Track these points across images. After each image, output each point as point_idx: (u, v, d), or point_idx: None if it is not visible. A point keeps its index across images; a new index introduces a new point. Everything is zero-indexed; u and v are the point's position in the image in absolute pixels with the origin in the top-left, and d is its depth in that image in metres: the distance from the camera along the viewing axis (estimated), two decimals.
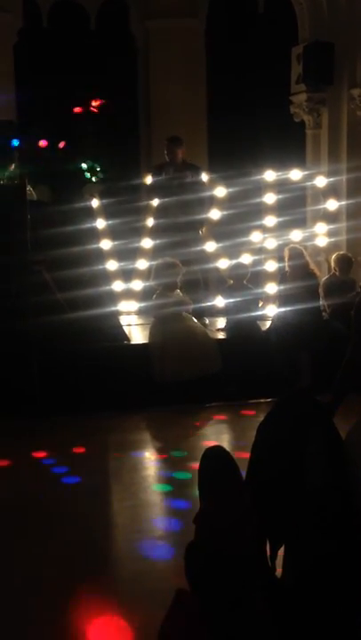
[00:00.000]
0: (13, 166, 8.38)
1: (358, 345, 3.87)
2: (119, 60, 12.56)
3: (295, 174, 10.08)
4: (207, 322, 9.29)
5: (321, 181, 10.26)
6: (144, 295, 9.66)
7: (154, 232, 9.70)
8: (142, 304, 9.72)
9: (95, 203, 9.63)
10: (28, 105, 10.68)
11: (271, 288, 9.58)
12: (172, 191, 9.30)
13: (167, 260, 8.83)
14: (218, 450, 3.59)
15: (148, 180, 9.78)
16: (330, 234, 10.22)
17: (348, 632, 3.10)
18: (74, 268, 8.29)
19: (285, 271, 9.07)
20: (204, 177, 9.80)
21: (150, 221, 9.91)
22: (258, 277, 9.65)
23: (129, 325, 9.41)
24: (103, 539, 5.25)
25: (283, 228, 9.96)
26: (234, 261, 9.39)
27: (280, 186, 10.00)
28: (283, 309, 8.79)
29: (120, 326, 8.84)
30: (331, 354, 8.60)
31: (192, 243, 9.43)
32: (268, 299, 9.58)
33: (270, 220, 9.96)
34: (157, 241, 9.57)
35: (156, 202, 9.74)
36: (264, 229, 9.94)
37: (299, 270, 8.81)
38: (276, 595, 3.18)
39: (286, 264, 9.01)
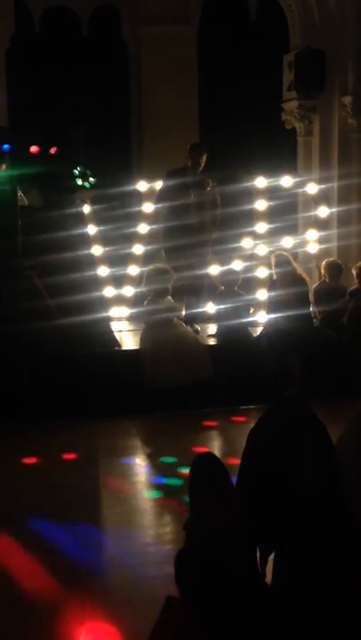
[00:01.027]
0: (4, 167, 8.36)
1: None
2: (111, 66, 12.57)
3: (286, 181, 10.10)
4: (198, 328, 9.28)
5: (312, 188, 10.30)
6: (135, 301, 9.65)
7: (165, 234, 9.59)
8: (133, 310, 9.71)
9: (86, 208, 9.62)
10: (20, 110, 10.69)
11: (262, 294, 9.59)
12: (187, 193, 9.25)
13: (158, 266, 8.83)
14: (208, 456, 3.58)
15: (162, 183, 9.66)
16: (321, 241, 10.25)
17: (339, 638, 3.09)
18: (65, 273, 8.27)
19: (274, 278, 9.09)
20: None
21: (143, 227, 9.89)
22: (249, 284, 9.66)
23: (120, 331, 9.40)
24: (93, 545, 5.24)
25: (274, 234, 9.98)
26: (225, 268, 9.39)
27: (271, 192, 10.02)
28: (274, 315, 8.81)
29: (111, 332, 8.83)
30: (322, 360, 8.69)
31: (204, 246, 9.37)
32: (258, 305, 9.58)
33: (261, 227, 9.98)
34: (171, 244, 9.43)
35: (155, 207, 9.70)
36: (255, 236, 9.96)
37: (288, 277, 8.83)
38: (267, 601, 3.18)
39: (273, 271, 9.04)
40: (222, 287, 9.14)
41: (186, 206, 9.15)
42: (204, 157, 9.31)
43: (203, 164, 9.30)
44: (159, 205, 9.59)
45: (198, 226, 9.18)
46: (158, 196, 9.62)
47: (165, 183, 9.45)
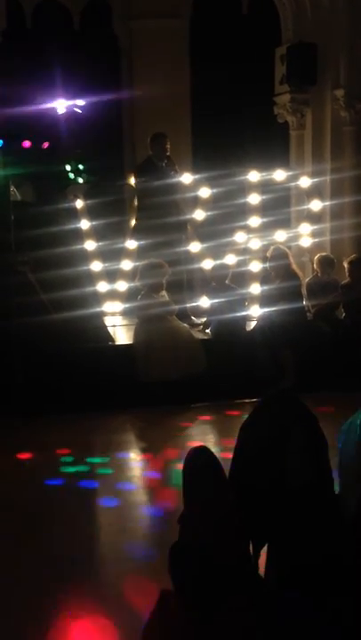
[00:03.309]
0: None
1: None
2: (103, 60, 12.53)
3: (279, 175, 10.10)
4: (196, 321, 9.27)
5: (305, 182, 10.29)
6: (129, 296, 9.65)
7: (138, 232, 9.66)
8: (127, 305, 9.70)
9: (79, 203, 9.61)
10: (12, 105, 10.63)
11: (255, 288, 9.60)
12: (162, 190, 9.32)
13: (153, 261, 8.82)
14: (202, 450, 3.59)
15: (138, 177, 9.72)
16: (314, 234, 10.25)
17: (332, 632, 3.10)
18: (58, 268, 8.27)
19: (268, 272, 9.10)
20: (187, 178, 9.81)
21: (133, 222, 9.89)
22: (242, 278, 9.67)
23: (113, 326, 9.40)
24: (88, 539, 5.25)
25: (267, 228, 9.98)
26: (215, 262, 9.41)
27: (264, 186, 10.02)
28: (268, 309, 8.82)
29: (104, 327, 8.83)
30: (315, 353, 8.70)
31: (178, 243, 9.44)
32: (252, 299, 9.59)
33: (254, 221, 9.98)
34: (142, 242, 9.54)
35: (138, 201, 9.73)
36: (248, 230, 9.95)
37: (281, 271, 8.85)
38: (260, 594, 3.19)
39: (268, 264, 9.05)
40: (214, 283, 9.16)
41: (160, 203, 9.23)
42: (168, 145, 9.43)
43: (168, 152, 9.43)
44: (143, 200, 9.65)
45: (172, 224, 9.27)
46: (138, 191, 9.66)
47: (141, 177, 9.53)
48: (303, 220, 10.32)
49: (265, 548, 3.53)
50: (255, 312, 9.34)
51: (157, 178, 9.39)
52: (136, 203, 9.79)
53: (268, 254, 9.10)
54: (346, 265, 9.30)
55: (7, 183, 8.21)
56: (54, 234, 8.36)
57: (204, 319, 9.26)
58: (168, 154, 9.61)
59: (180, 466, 3.58)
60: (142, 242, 9.53)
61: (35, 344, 7.93)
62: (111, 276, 9.90)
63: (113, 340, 8.75)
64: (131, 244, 9.87)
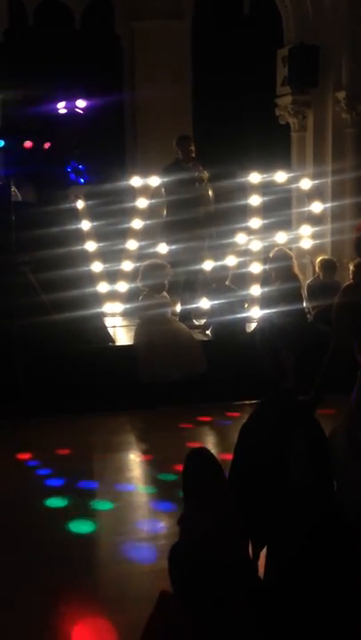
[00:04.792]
0: None
1: (339, 342, 3.94)
2: (104, 60, 12.54)
3: (280, 176, 10.10)
4: (197, 322, 9.25)
5: (306, 184, 10.29)
6: (129, 297, 9.64)
7: (166, 229, 9.57)
8: (127, 305, 9.70)
9: (80, 204, 9.61)
10: (13, 105, 10.64)
11: (256, 290, 9.60)
12: (192, 187, 9.30)
13: (155, 262, 8.83)
14: (202, 451, 3.59)
15: (163, 178, 9.69)
16: (315, 236, 10.25)
17: (329, 631, 3.11)
18: (59, 269, 8.27)
19: (268, 273, 9.10)
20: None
21: (137, 223, 9.87)
22: (243, 279, 9.66)
23: (114, 327, 9.39)
24: (88, 540, 5.25)
25: (268, 230, 9.97)
26: (216, 264, 9.41)
27: (265, 188, 10.02)
28: (268, 311, 8.82)
29: (105, 327, 8.83)
30: (315, 355, 8.68)
31: (203, 241, 9.41)
32: (253, 300, 9.59)
33: (255, 222, 9.98)
34: (172, 238, 9.43)
35: (162, 200, 9.69)
36: (249, 231, 9.96)
37: (281, 272, 8.85)
38: (259, 595, 3.19)
39: (268, 266, 9.05)
40: (214, 284, 9.16)
41: (187, 201, 9.19)
42: (193, 147, 9.40)
43: (193, 154, 9.39)
44: (162, 199, 9.59)
45: (199, 220, 9.24)
46: (165, 190, 9.59)
47: (167, 178, 9.48)
48: (304, 222, 10.32)
49: (265, 549, 3.53)
50: (255, 314, 9.33)
51: (184, 179, 9.33)
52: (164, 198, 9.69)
53: (270, 255, 9.10)
54: (351, 267, 9.26)
55: (8, 183, 8.21)
56: (55, 234, 8.36)
57: (204, 320, 9.25)
58: (193, 155, 9.53)
59: (180, 467, 3.58)
60: (169, 239, 9.47)
61: (35, 344, 7.93)
62: (112, 276, 9.90)
63: (113, 341, 8.75)
64: (131, 244, 9.87)
